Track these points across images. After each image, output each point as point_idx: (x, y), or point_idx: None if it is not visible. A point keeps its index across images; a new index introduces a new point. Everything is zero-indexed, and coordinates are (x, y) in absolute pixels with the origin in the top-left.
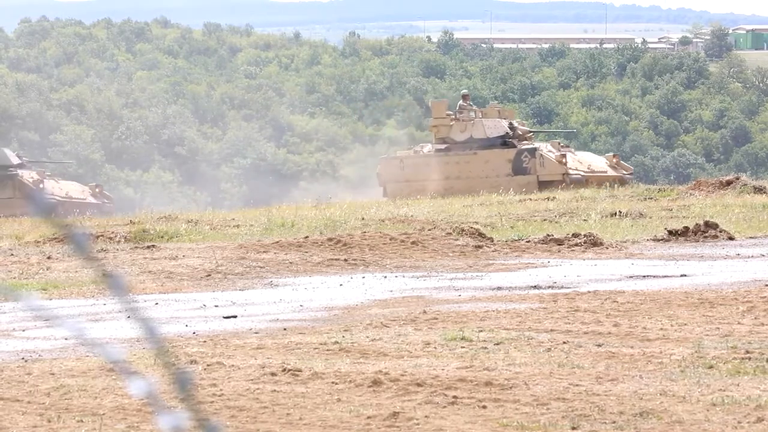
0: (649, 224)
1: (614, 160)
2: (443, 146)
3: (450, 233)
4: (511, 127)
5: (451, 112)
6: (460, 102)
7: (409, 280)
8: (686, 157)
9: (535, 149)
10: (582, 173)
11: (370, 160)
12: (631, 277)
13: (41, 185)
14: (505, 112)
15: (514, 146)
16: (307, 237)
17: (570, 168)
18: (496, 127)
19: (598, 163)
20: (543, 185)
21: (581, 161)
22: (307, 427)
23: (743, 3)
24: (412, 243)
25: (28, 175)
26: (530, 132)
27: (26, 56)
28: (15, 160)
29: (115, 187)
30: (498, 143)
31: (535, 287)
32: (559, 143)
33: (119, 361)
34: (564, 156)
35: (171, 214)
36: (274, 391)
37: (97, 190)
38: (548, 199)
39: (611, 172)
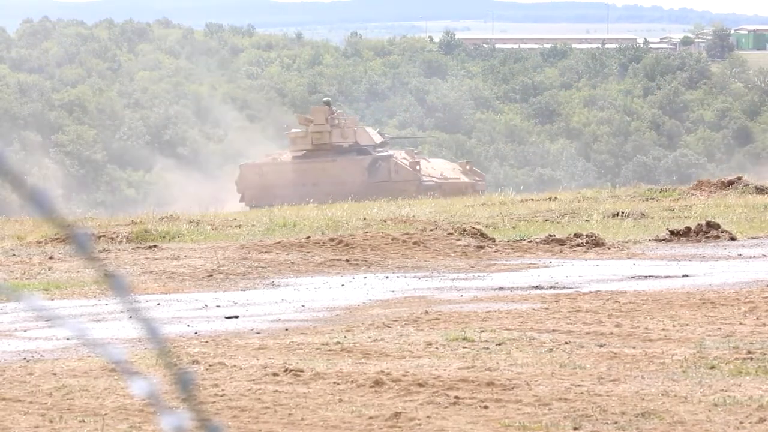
0: (650, 224)
1: None
2: None
3: (452, 233)
4: None
5: None
6: None
7: (411, 281)
8: (688, 158)
9: None
10: None
11: None
12: (632, 277)
13: (418, 167)
14: None
15: None
16: (308, 237)
17: None
18: None
19: None
20: None
21: None
22: (309, 427)
23: (745, 3)
24: (414, 243)
25: (401, 156)
26: None
27: (28, 56)
28: (378, 139)
29: (116, 188)
30: None
31: (536, 287)
32: None
33: (121, 362)
34: None
35: (172, 215)
36: (276, 391)
37: (467, 167)
38: (550, 199)
39: None
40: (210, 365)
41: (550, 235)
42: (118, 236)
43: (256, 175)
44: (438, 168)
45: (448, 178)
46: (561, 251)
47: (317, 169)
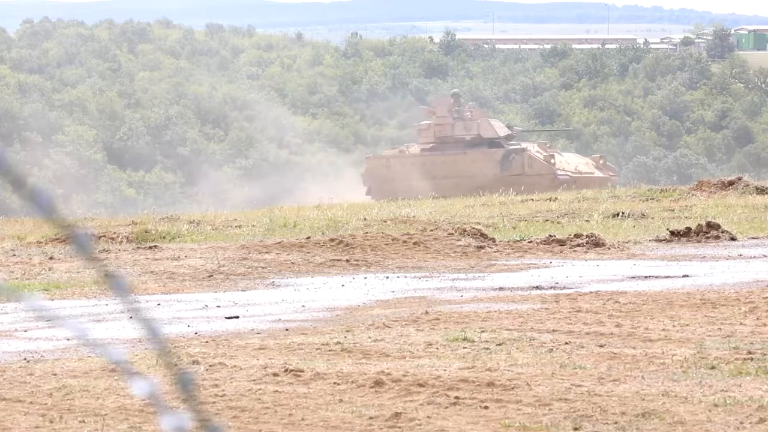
0: (651, 225)
1: None
2: None
3: (452, 234)
4: None
5: None
6: None
7: (411, 281)
8: (688, 158)
9: None
10: None
11: None
12: (633, 277)
13: (552, 160)
14: None
15: None
16: (309, 237)
17: None
18: None
19: None
20: None
21: None
22: (309, 427)
23: (745, 3)
24: (414, 243)
25: (534, 149)
26: None
27: (28, 57)
28: (503, 132)
29: (117, 188)
30: None
31: (537, 288)
32: None
33: (121, 362)
34: None
35: (173, 215)
36: (276, 391)
37: (601, 161)
38: (550, 199)
39: None
40: (210, 365)
41: (550, 236)
42: (118, 236)
43: (382, 167)
44: (572, 162)
45: (583, 172)
46: (561, 251)
47: (447, 161)
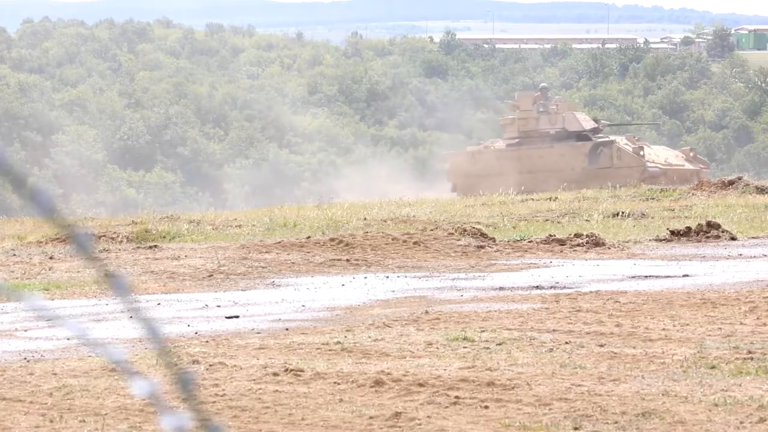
0: (651, 224)
1: None
2: None
3: (452, 233)
4: None
5: None
6: None
7: (411, 281)
8: None
9: None
10: None
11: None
12: (633, 277)
13: (641, 153)
14: None
15: None
16: (309, 237)
17: None
18: None
19: None
20: None
21: None
22: (309, 427)
23: (745, 3)
24: (414, 243)
25: (623, 142)
26: None
27: (28, 56)
28: (588, 125)
29: (117, 188)
30: None
31: (537, 287)
32: None
33: (121, 362)
34: None
35: (173, 215)
36: (277, 391)
37: (691, 154)
38: (550, 199)
39: None
40: (210, 365)
41: (550, 235)
42: (118, 236)
43: (467, 163)
44: (661, 155)
45: (673, 164)
46: (561, 251)
47: (533, 155)
